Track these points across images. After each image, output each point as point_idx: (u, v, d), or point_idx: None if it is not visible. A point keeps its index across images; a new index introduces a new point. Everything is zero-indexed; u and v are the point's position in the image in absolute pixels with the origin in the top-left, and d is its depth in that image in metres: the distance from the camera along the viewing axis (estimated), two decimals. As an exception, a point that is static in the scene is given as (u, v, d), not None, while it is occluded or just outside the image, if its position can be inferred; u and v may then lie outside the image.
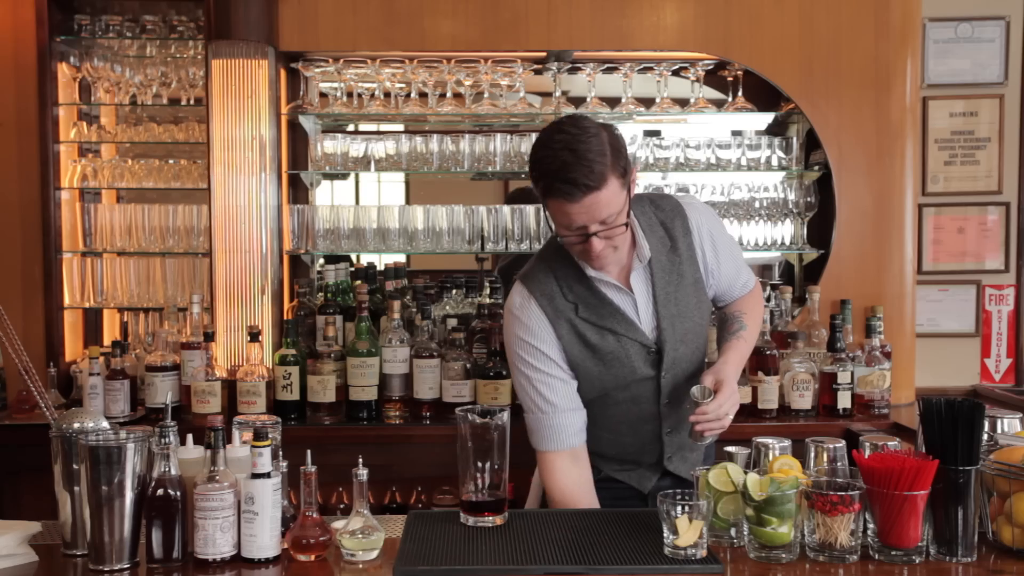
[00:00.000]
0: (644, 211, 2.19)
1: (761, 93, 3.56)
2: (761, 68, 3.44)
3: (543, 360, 2.11)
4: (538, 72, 3.57)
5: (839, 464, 1.88)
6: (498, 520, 1.88)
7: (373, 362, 3.08)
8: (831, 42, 3.42)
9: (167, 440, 1.70)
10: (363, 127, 4.07)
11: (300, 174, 3.59)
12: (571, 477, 2.12)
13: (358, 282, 3.38)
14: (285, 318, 3.30)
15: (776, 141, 3.56)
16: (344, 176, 4.03)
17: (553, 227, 2.05)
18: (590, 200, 1.94)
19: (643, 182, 3.59)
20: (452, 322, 3.20)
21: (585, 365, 2.13)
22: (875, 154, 3.42)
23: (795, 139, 3.57)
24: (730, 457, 1.87)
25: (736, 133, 3.72)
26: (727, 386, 2.07)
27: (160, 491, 1.69)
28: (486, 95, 3.53)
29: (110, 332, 3.68)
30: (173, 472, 1.70)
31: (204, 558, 1.69)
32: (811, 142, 3.58)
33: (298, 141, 3.65)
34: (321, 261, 3.70)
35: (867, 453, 1.80)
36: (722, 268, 2.24)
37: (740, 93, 3.54)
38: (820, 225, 3.54)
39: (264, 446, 1.70)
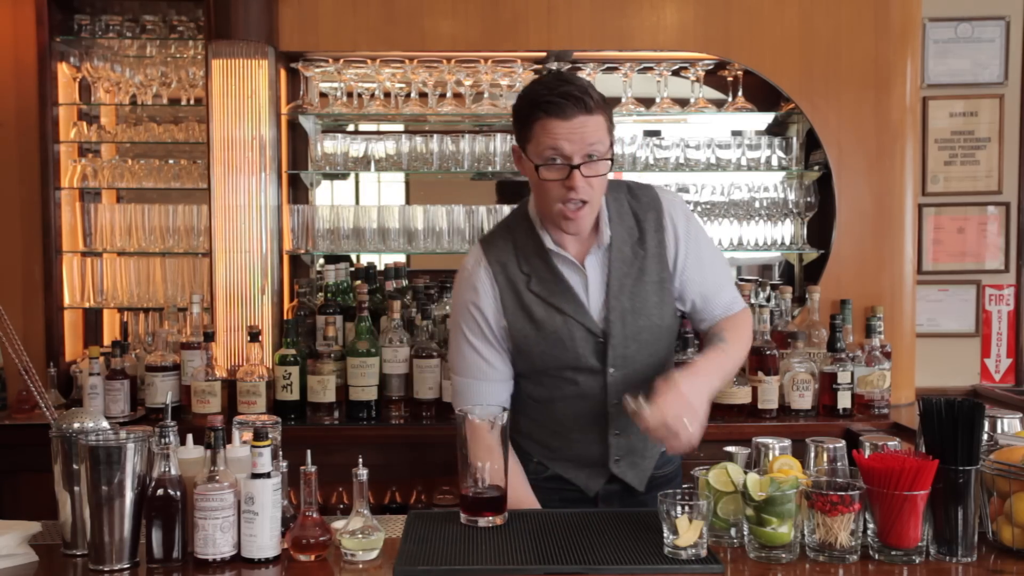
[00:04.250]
0: (618, 197, 2.16)
1: (761, 93, 3.56)
2: (761, 68, 3.44)
3: (482, 326, 2.10)
4: (538, 72, 3.57)
5: (839, 464, 1.88)
6: (498, 520, 1.88)
7: (373, 362, 3.08)
8: (831, 42, 3.42)
9: (167, 440, 1.70)
10: (363, 127, 4.07)
11: (300, 174, 3.59)
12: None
13: (358, 282, 3.38)
14: (285, 318, 3.30)
15: (776, 141, 3.56)
16: (344, 176, 4.03)
17: (535, 163, 1.99)
18: (580, 121, 1.94)
19: (643, 182, 3.58)
20: (452, 322, 3.20)
21: (528, 341, 2.10)
22: (875, 154, 3.42)
23: (795, 139, 3.57)
24: (730, 457, 1.86)
25: (736, 133, 3.71)
26: (671, 390, 1.92)
27: (160, 491, 1.69)
28: (486, 95, 3.53)
29: (110, 332, 3.68)
30: (173, 472, 1.70)
31: (204, 558, 1.69)
32: (811, 142, 3.57)
33: (298, 141, 3.65)
34: (321, 261, 3.70)
35: (867, 453, 1.80)
36: (697, 275, 2.16)
37: (740, 93, 3.55)
38: (820, 225, 3.54)
39: (264, 446, 1.70)
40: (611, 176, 2.13)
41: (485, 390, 2.12)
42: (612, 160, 2.03)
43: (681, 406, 1.91)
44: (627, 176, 3.63)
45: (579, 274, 2.11)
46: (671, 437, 1.90)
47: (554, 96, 1.94)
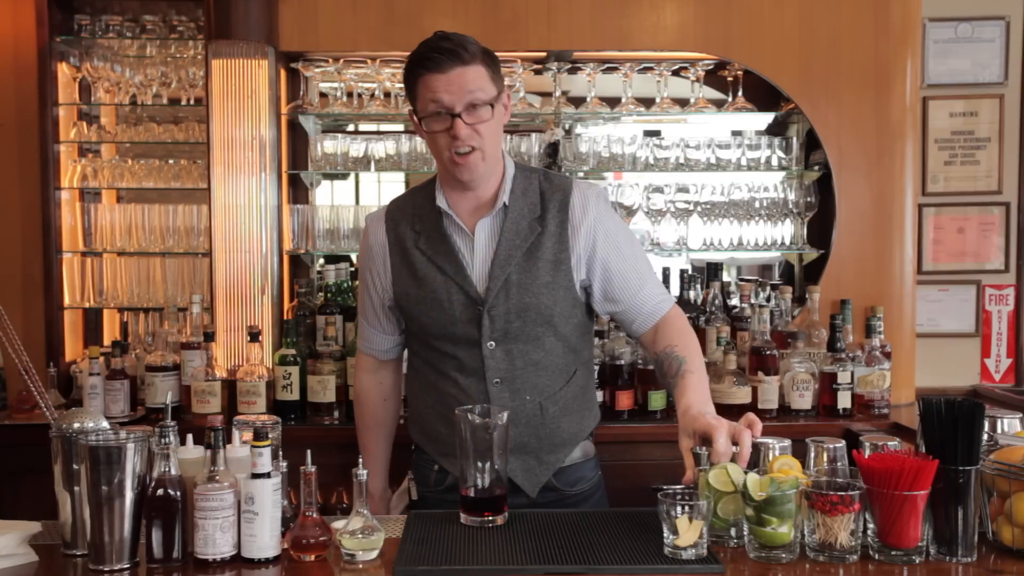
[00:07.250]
0: (529, 176, 2.18)
1: (761, 93, 3.56)
2: (761, 68, 3.44)
3: (370, 277, 2.24)
4: (538, 72, 3.57)
5: (839, 464, 1.87)
6: (498, 520, 1.88)
7: (373, 362, 3.08)
8: (831, 42, 3.42)
9: (167, 440, 1.70)
10: (363, 127, 4.07)
11: (300, 174, 3.59)
12: (365, 381, 2.36)
13: (358, 282, 3.38)
14: (285, 318, 3.30)
15: (776, 141, 3.56)
16: (344, 176, 4.03)
17: (419, 118, 2.06)
18: (457, 72, 2.00)
19: (643, 182, 3.59)
20: (452, 322, 3.20)
21: (410, 300, 2.15)
22: (875, 154, 3.42)
23: (795, 139, 3.57)
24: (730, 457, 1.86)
25: (736, 133, 3.72)
26: (716, 430, 1.81)
27: (160, 491, 1.69)
28: (486, 95, 3.52)
29: (110, 332, 3.68)
30: (173, 472, 1.70)
31: (204, 558, 1.69)
32: (811, 142, 3.58)
33: (298, 141, 3.65)
34: (321, 261, 3.70)
35: (867, 453, 1.80)
36: (614, 265, 2.12)
37: (740, 93, 3.55)
38: (820, 225, 3.54)
39: (264, 446, 1.70)
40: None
41: (368, 332, 2.32)
42: (494, 106, 2.05)
43: (731, 426, 1.84)
44: (627, 176, 3.64)
45: (466, 238, 2.13)
46: (746, 455, 1.81)
47: (429, 52, 2.03)
